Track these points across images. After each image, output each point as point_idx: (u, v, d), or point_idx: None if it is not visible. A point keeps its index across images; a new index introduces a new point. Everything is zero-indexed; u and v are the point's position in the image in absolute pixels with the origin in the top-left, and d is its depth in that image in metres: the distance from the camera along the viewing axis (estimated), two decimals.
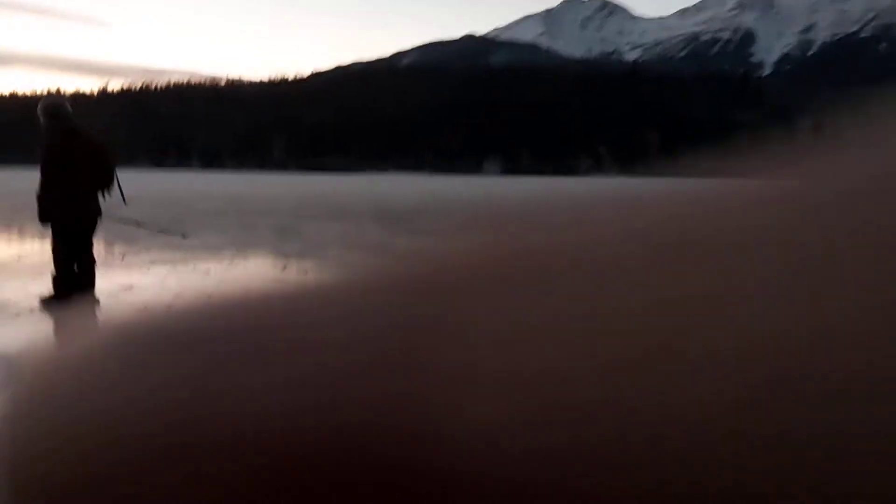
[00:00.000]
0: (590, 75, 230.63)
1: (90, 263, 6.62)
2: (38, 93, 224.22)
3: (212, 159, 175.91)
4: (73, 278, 6.44)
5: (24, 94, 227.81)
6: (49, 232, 6.47)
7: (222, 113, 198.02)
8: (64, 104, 6.64)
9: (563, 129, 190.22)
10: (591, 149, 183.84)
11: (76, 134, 6.40)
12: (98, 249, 10.91)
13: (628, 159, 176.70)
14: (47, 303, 6.41)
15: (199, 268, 8.92)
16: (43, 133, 6.40)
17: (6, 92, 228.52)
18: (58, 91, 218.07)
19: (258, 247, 11.67)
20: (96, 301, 6.41)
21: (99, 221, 6.63)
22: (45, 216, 6.35)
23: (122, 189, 6.75)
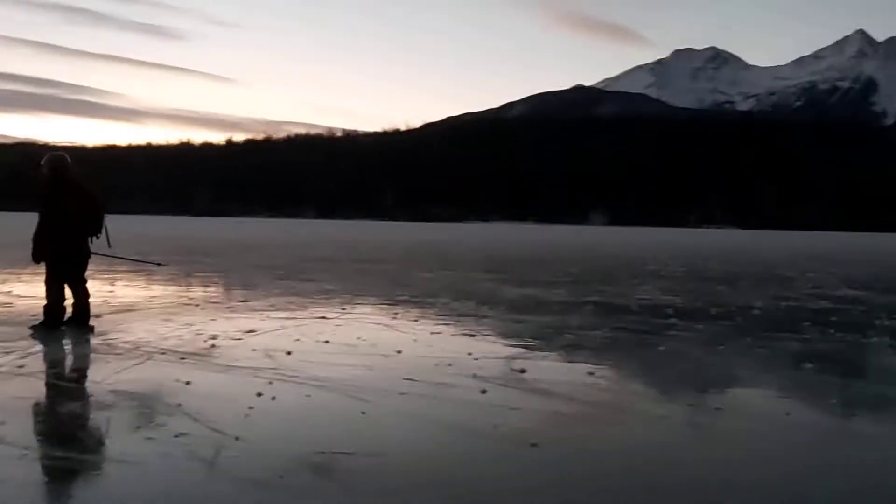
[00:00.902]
0: (701, 125, 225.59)
1: (83, 296, 7.37)
2: (169, 142, 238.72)
3: (325, 208, 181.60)
4: (62, 309, 7.28)
5: (158, 144, 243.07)
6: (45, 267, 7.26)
7: (336, 163, 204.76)
8: (64, 158, 7.37)
9: (673, 179, 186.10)
10: (702, 200, 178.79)
11: (71, 185, 7.23)
12: (219, 293, 11.43)
13: (742, 211, 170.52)
14: (38, 329, 7.12)
15: (315, 313, 9.16)
16: (42, 183, 7.21)
17: (143, 143, 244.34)
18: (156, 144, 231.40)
19: (370, 293, 11.90)
20: (90, 329, 7.30)
21: (88, 260, 7.44)
22: (37, 255, 7.19)
23: (109, 233, 7.51)
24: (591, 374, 5.93)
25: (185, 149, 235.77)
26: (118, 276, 13.79)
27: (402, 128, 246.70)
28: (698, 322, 9.28)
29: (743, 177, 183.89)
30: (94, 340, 6.81)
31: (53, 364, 5.72)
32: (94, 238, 7.45)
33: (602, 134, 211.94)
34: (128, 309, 9.19)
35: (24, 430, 4.02)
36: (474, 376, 5.66)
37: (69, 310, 7.42)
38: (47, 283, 7.30)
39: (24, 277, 12.49)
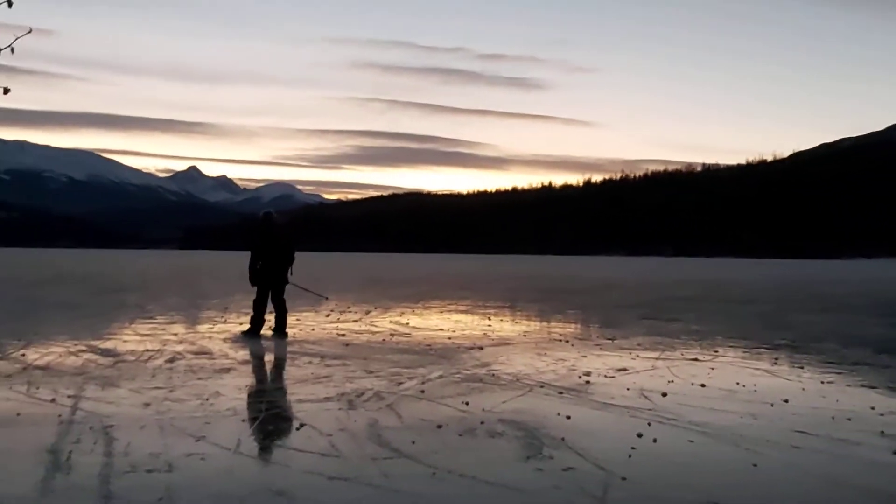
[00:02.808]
0: None
1: (282, 311, 10.14)
2: (532, 186, 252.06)
3: (684, 245, 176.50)
4: (262, 321, 10.07)
5: (522, 188, 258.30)
6: (255, 290, 10.10)
7: (695, 199, 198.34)
8: (272, 214, 10.29)
9: None
10: None
11: (274, 232, 10.02)
12: (586, 331, 11.65)
13: None
14: (246, 334, 10.04)
15: (686, 354, 8.86)
16: (256, 229, 10.10)
17: (508, 187, 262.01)
18: (549, 185, 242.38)
19: (744, 336, 11.18)
20: (285, 335, 9.99)
21: (285, 286, 10.16)
22: (252, 281, 10.07)
23: (293, 268, 10.30)
24: None
25: (546, 191, 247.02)
26: (489, 311, 14.80)
27: (769, 158, 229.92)
28: None
29: None
30: (479, 370, 7.37)
31: (448, 391, 6.29)
32: (290, 270, 10.23)
33: None
34: (504, 342, 9.79)
35: (431, 449, 4.45)
36: (882, 434, 4.98)
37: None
38: (255, 301, 10.08)
39: (418, 311, 14.04)
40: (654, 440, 4.73)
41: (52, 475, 3.84)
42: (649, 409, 5.64)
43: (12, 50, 3.22)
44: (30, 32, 3.34)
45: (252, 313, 10.10)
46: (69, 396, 5.85)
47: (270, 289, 10.06)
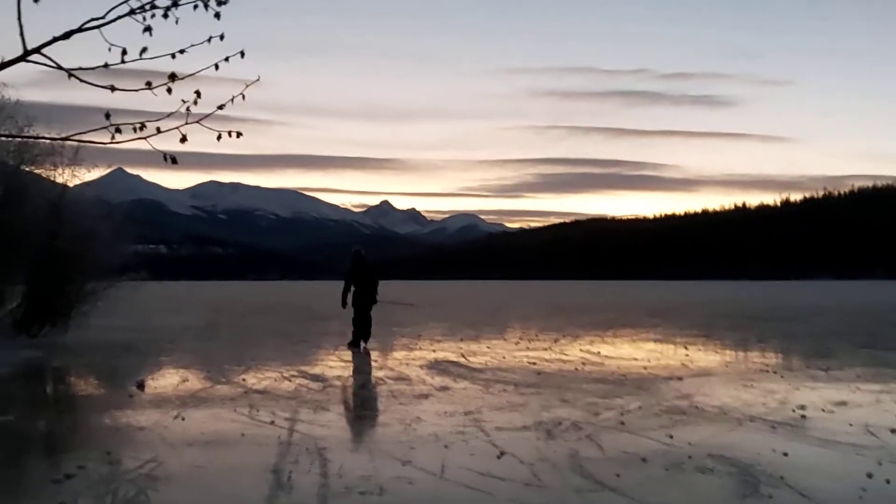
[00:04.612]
0: None
1: (369, 325, 12.47)
2: (724, 208, 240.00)
3: None
4: (361, 334, 12.43)
5: (713, 209, 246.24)
6: (351, 311, 12.42)
7: None
8: (360, 249, 12.88)
9: None
10: None
11: (362, 263, 12.57)
12: (796, 360, 10.82)
13: None
14: (350, 344, 12.37)
15: None
16: (349, 261, 12.61)
17: (698, 209, 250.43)
18: (744, 205, 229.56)
19: None
20: (367, 342, 12.45)
21: (373, 305, 12.52)
22: (343, 303, 12.38)
23: (378, 290, 12.61)
24: None
25: (739, 213, 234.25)
26: (685, 340, 14.19)
27: None
28: None
29: None
30: (681, 402, 7.06)
31: (649, 423, 6.08)
32: (376, 294, 12.48)
33: None
34: (705, 373, 9.34)
35: (636, 482, 4.32)
36: None
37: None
38: (353, 319, 12.41)
39: (608, 339, 13.74)
40: (887, 481, 4.30)
41: (275, 493, 4.13)
42: (878, 447, 5.14)
43: (243, 97, 3.49)
44: (258, 80, 3.61)
45: (353, 328, 12.49)
46: (286, 419, 6.28)
47: (362, 308, 12.37)
